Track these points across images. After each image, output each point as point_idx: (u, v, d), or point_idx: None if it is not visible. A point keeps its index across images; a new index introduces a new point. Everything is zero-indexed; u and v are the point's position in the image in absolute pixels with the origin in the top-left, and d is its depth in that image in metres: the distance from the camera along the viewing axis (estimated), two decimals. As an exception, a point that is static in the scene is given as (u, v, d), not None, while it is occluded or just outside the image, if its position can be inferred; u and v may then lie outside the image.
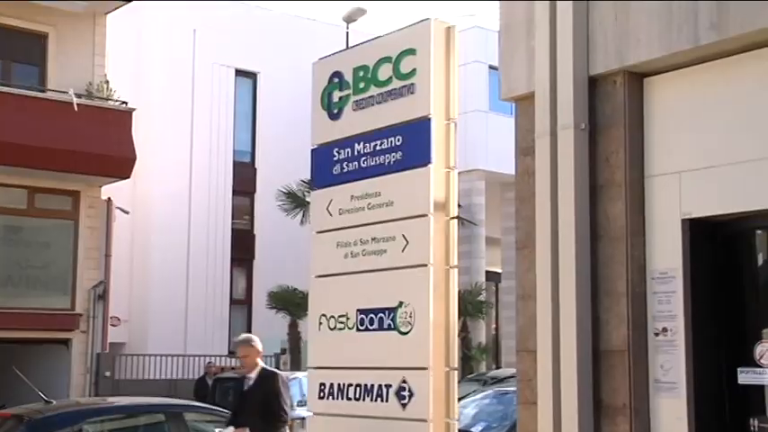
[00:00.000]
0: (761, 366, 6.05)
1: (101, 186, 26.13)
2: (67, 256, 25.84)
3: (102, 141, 24.53)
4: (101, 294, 26.31)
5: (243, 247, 36.40)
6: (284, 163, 32.31)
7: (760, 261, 6.61)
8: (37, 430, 11.15)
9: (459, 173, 8.31)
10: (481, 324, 34.68)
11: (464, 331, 25.97)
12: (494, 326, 39.92)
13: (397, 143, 8.13)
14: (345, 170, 8.55)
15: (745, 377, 6.20)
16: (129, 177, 25.91)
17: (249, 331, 36.85)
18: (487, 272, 35.31)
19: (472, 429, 12.43)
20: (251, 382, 10.67)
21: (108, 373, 26.66)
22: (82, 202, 25.86)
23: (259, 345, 10.88)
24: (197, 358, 29.99)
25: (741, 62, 6.23)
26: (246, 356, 10.80)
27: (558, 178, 6.63)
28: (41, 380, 17.94)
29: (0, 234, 25.48)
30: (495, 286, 38.63)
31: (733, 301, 6.52)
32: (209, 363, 26.72)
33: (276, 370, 11.71)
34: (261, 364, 10.96)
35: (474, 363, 29.76)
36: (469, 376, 23.78)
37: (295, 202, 30.19)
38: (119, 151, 24.96)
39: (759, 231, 6.52)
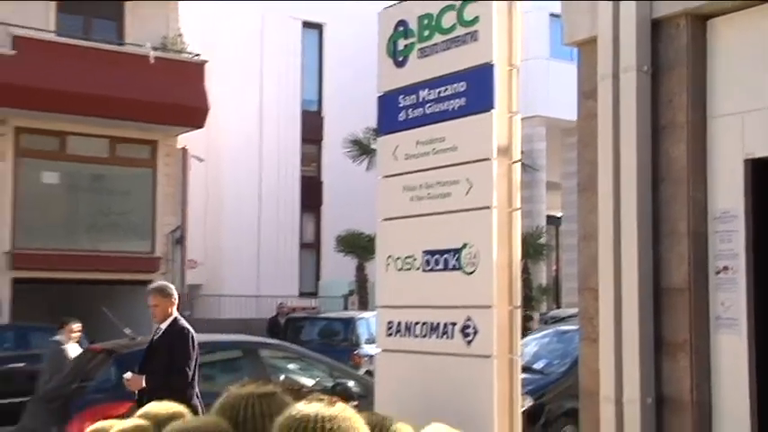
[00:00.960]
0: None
1: (177, 136, 26.36)
2: (147, 203, 26.13)
3: (177, 92, 24.71)
4: (178, 239, 26.64)
5: (311, 194, 36.62)
6: (350, 112, 32.35)
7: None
8: (124, 364, 11.25)
9: (522, 117, 8.23)
10: (542, 266, 34.66)
11: (525, 273, 25.76)
12: (554, 268, 39.86)
13: (461, 89, 8.01)
14: (411, 116, 8.47)
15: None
16: (202, 127, 26.08)
17: (318, 275, 37.36)
18: (548, 216, 35.27)
19: (534, 366, 12.38)
20: (159, 333, 9.59)
21: (187, 313, 26.85)
22: (159, 150, 26.12)
23: (174, 295, 9.74)
24: (269, 299, 30.27)
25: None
26: (156, 306, 9.67)
27: (621, 121, 6.52)
28: (126, 318, 18.26)
29: (85, 183, 25.86)
30: (555, 230, 38.55)
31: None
32: (281, 303, 26.93)
33: (188, 327, 10.10)
34: (176, 315, 9.86)
35: (535, 303, 29.69)
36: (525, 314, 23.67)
37: (361, 149, 30.23)
38: (193, 102, 25.15)
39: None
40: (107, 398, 10.26)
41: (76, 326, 14.75)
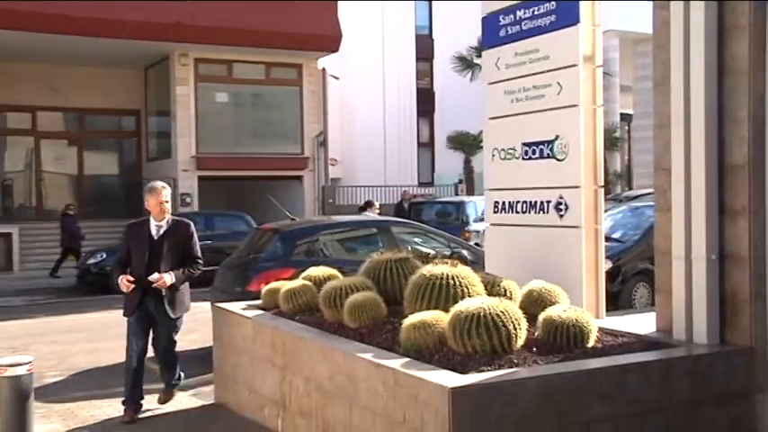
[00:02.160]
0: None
1: (317, 59, 26.39)
2: (296, 114, 26.44)
3: (316, 24, 24.71)
4: (321, 142, 26.90)
5: (425, 102, 36.69)
6: (455, 34, 32.10)
7: None
8: (287, 239, 11.47)
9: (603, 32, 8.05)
10: (616, 155, 34.38)
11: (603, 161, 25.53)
12: (626, 157, 39.37)
13: (552, 8, 7.91)
14: (510, 32, 8.40)
15: None
16: (337, 51, 26.06)
17: (433, 168, 37.55)
18: (621, 114, 34.55)
19: (612, 235, 12.22)
20: (162, 230, 7.98)
21: (330, 200, 27.37)
22: (304, 71, 26.34)
23: (166, 194, 8.04)
24: (394, 188, 30.48)
25: None
26: (159, 203, 7.97)
27: (690, 25, 6.22)
28: (284, 206, 18.76)
29: (248, 100, 26.32)
30: (627, 125, 37.87)
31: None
32: (405, 191, 26.94)
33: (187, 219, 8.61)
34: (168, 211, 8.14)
35: (611, 186, 29.35)
36: (608, 196, 23.35)
37: (465, 64, 30.11)
38: (328, 31, 25.16)
39: None
40: (276, 265, 10.45)
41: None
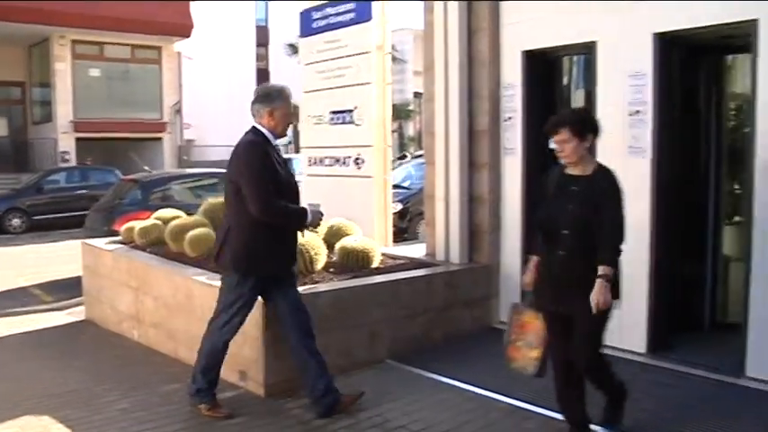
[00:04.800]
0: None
1: (173, 43, 25.80)
2: (156, 87, 25.77)
3: (173, 14, 24.22)
4: (177, 110, 26.37)
5: (263, 80, 35.86)
6: (286, 25, 31.61)
7: (565, 81, 6.65)
8: (145, 187, 11.38)
9: (396, 29, 8.27)
10: (410, 124, 35.02)
11: (399, 128, 25.81)
12: (418, 125, 40.12)
13: (351, 7, 8.06)
14: (321, 25, 8.49)
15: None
16: (189, 37, 25.54)
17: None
18: (415, 92, 35.15)
19: (403, 184, 12.63)
20: None
21: (185, 157, 26.82)
22: (163, 52, 25.72)
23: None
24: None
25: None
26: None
27: (448, 26, 6.57)
28: (148, 163, 18.38)
29: (117, 75, 25.48)
30: (419, 101, 38.53)
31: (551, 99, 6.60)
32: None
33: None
34: None
35: (406, 148, 29.86)
36: (399, 154, 23.87)
37: (293, 49, 29.69)
38: (183, 20, 24.68)
39: (571, 58, 6.52)
40: (135, 209, 10.30)
41: None
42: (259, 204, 4.36)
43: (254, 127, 4.60)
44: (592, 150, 4.16)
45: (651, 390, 4.98)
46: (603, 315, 3.90)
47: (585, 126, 3.98)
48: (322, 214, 4.72)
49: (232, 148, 4.63)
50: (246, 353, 5.15)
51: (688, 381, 5.17)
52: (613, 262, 3.84)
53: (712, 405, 4.72)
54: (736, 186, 6.11)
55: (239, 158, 4.47)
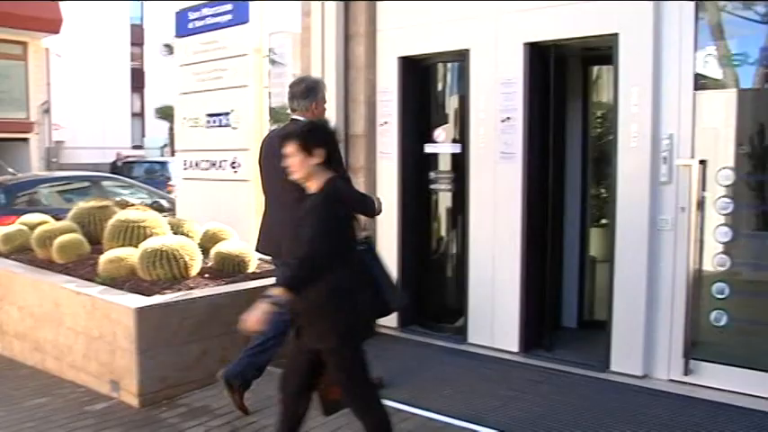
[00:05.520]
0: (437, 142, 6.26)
1: (41, 39, 24.65)
2: (22, 85, 24.56)
3: (39, 8, 23.07)
4: (46, 109, 25.20)
5: (138, 80, 35.45)
6: (162, 24, 30.94)
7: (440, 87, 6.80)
8: (9, 191, 10.82)
9: (275, 32, 8.23)
10: (289, 127, 35.05)
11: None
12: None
13: (229, 9, 7.94)
14: (197, 26, 8.34)
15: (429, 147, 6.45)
16: (58, 33, 24.47)
17: (144, 133, 36.41)
18: (293, 93, 35.28)
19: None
20: None
21: (55, 159, 25.71)
22: (29, 48, 24.47)
23: None
24: (111, 150, 29.23)
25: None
26: None
27: (325, 30, 6.61)
28: (13, 165, 17.57)
29: (-23, 72, 24.16)
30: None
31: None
32: (119, 152, 25.94)
33: None
34: None
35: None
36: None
37: (169, 50, 29.13)
38: (51, 15, 23.56)
39: (445, 64, 6.67)
40: (-3, 213, 9.83)
41: None
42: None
43: (297, 121, 4.63)
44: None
45: (524, 387, 5.17)
46: (346, 352, 3.47)
47: (310, 140, 3.53)
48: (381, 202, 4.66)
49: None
50: (119, 362, 5.01)
51: (559, 377, 5.40)
52: (292, 283, 3.29)
53: (581, 399, 4.95)
54: (603, 191, 6.43)
55: None
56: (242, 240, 6.75)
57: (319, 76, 5.14)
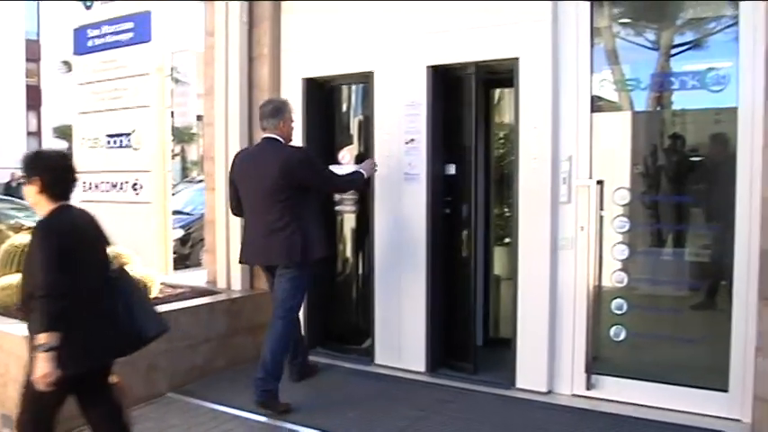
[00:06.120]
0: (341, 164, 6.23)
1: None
2: None
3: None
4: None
5: (34, 98, 34.35)
6: (60, 40, 30.22)
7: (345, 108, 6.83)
8: None
9: (179, 51, 8.14)
10: (194, 147, 34.42)
11: (182, 152, 25.22)
12: (201, 149, 39.61)
13: (130, 27, 7.79)
14: (97, 44, 8.14)
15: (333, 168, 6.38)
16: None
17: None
18: (198, 115, 34.67)
19: (185, 209, 12.33)
20: None
21: (-57, 182, 24.63)
22: None
23: None
24: (5, 170, 28.18)
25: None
26: None
27: (229, 51, 6.56)
28: None
29: None
30: (202, 123, 38.09)
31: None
32: (13, 173, 24.96)
33: None
34: None
35: (189, 171, 29.30)
36: (185, 179, 23.37)
37: (68, 67, 28.40)
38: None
39: (350, 86, 6.68)
40: None
41: None
42: (338, 185, 5.60)
43: (271, 139, 5.29)
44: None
45: (431, 407, 5.20)
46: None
47: (26, 170, 3.60)
48: (375, 163, 5.78)
49: (262, 160, 5.22)
50: (11, 395, 4.79)
51: (465, 396, 5.45)
52: (48, 325, 3.30)
53: (487, 417, 5.00)
54: (506, 210, 6.56)
55: (301, 162, 5.14)
56: (144, 265, 6.60)
57: (285, 98, 5.64)
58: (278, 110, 5.33)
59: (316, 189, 5.33)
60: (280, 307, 5.24)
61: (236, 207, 5.49)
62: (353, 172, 5.63)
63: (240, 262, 5.64)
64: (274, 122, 5.30)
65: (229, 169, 5.62)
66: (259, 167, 5.16)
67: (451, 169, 5.90)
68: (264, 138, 5.34)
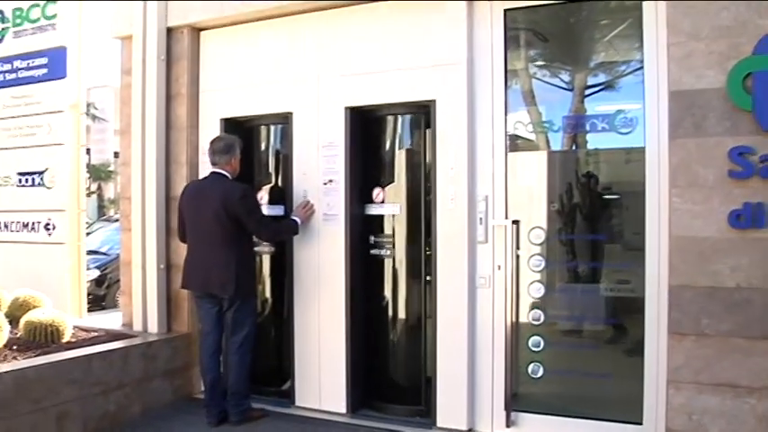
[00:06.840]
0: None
1: None
2: None
3: None
4: None
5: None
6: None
7: (263, 147, 6.80)
8: None
9: (97, 87, 8.05)
10: (111, 185, 33.46)
11: (99, 189, 24.49)
12: (118, 187, 38.50)
13: (44, 62, 7.76)
14: (8, 78, 8.04)
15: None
16: None
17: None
18: (116, 152, 33.78)
19: (101, 249, 12.03)
20: None
21: None
22: None
23: None
24: None
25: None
26: None
27: (146, 90, 6.50)
28: None
29: None
30: (120, 163, 37.14)
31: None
32: None
33: None
34: None
35: (106, 210, 28.44)
36: (102, 218, 22.77)
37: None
38: None
39: (269, 126, 6.67)
40: None
41: None
42: (269, 232, 5.76)
43: (219, 174, 5.62)
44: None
45: (350, 450, 5.17)
46: None
47: None
48: (309, 202, 5.93)
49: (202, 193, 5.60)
50: None
51: (387, 437, 5.44)
52: None
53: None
54: (427, 249, 6.60)
55: (242, 199, 5.45)
56: (56, 307, 6.44)
57: (234, 136, 5.91)
58: (230, 147, 5.65)
59: (249, 230, 5.57)
60: (233, 338, 5.61)
61: (183, 234, 5.80)
62: (289, 220, 5.82)
63: (181, 287, 5.90)
64: (226, 158, 5.62)
65: (178, 199, 5.89)
66: (206, 199, 5.48)
67: (371, 209, 5.92)
68: (213, 172, 5.64)
